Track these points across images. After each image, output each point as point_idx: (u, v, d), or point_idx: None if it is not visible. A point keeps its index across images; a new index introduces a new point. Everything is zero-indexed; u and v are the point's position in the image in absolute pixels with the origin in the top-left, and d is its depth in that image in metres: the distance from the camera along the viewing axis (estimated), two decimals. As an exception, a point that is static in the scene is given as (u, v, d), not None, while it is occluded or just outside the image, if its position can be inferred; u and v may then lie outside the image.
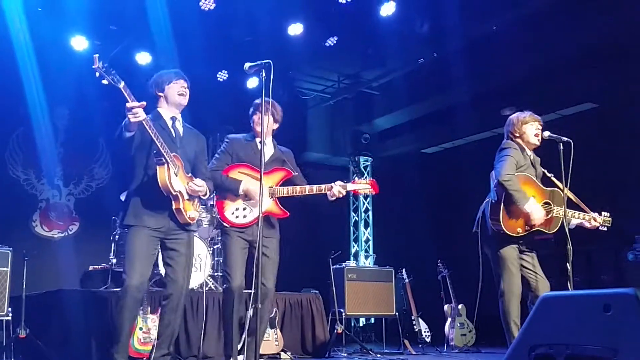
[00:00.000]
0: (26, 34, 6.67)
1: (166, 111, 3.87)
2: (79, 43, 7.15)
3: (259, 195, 3.45)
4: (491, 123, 8.23)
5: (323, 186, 4.14)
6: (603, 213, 4.43)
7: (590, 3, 6.35)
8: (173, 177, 3.60)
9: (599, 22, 6.45)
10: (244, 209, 4.15)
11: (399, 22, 6.99)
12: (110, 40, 7.32)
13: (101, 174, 8.22)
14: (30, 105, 7.24)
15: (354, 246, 10.05)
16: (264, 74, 3.35)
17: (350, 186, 4.19)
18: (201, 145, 4.06)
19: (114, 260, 6.00)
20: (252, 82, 7.79)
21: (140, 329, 4.69)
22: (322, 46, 7.62)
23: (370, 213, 10.14)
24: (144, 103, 3.45)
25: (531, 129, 4.27)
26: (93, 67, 3.33)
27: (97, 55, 3.38)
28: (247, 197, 4.14)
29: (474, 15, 6.76)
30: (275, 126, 4.34)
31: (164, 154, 3.54)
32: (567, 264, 3.88)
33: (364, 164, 10.13)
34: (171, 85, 3.85)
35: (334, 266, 6.63)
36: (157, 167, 3.55)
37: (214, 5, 6.75)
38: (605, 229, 4.42)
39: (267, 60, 3.31)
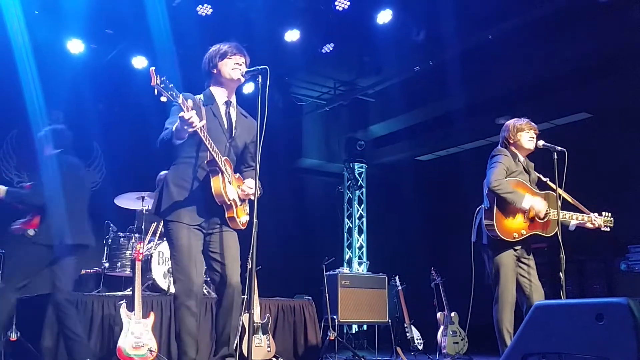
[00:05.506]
0: (23, 36, 6.65)
1: (220, 93, 3.49)
2: (75, 46, 7.14)
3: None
4: (486, 131, 8.27)
5: None
6: (604, 213, 4.42)
7: (585, 15, 6.39)
8: (227, 186, 3.30)
9: (594, 34, 6.50)
10: None
11: (396, 30, 7.02)
12: (106, 44, 7.32)
13: (95, 177, 8.19)
14: (24, 107, 7.21)
15: (347, 253, 10.03)
16: (260, 80, 3.32)
17: None
18: (252, 137, 3.55)
19: (107, 264, 5.97)
20: (248, 88, 7.78)
21: (132, 333, 4.68)
22: (319, 53, 7.64)
23: (364, 220, 10.14)
24: (194, 112, 3.04)
25: (526, 136, 4.29)
26: (151, 84, 2.85)
27: (153, 68, 2.89)
28: None
29: (470, 24, 6.80)
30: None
31: (219, 162, 3.25)
32: (560, 273, 3.89)
33: (358, 170, 10.13)
34: (225, 62, 3.44)
35: (328, 272, 6.63)
36: (211, 176, 3.24)
37: (211, 10, 6.77)
38: (607, 229, 4.39)
39: (263, 66, 3.29)
